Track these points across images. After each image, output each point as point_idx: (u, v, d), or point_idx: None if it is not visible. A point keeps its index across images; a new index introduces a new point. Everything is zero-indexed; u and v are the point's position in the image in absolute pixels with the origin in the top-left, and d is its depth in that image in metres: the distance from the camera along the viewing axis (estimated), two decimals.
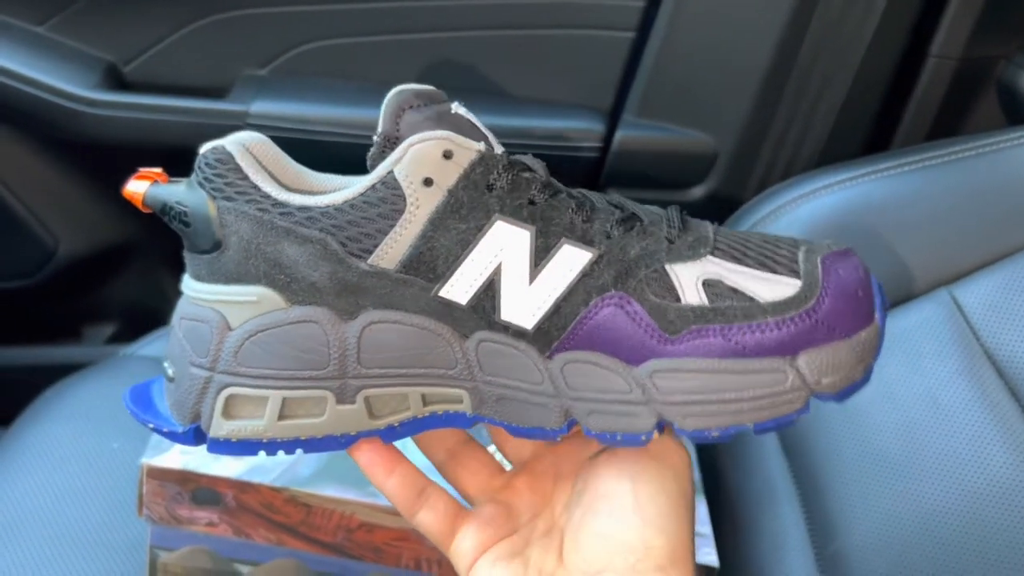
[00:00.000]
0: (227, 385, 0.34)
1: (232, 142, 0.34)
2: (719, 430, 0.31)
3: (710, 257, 0.33)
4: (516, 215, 0.32)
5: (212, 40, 0.79)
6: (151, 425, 0.35)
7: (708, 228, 0.34)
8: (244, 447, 0.34)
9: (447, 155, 0.32)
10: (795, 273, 0.33)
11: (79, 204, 0.89)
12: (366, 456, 0.36)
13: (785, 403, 0.31)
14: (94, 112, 0.78)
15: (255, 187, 0.33)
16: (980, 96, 0.78)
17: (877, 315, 0.33)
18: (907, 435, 0.54)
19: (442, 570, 0.51)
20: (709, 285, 0.32)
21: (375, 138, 0.34)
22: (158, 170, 0.35)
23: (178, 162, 0.81)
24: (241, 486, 0.48)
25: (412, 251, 0.32)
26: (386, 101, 0.34)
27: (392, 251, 0.32)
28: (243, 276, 0.33)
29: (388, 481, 0.36)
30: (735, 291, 0.32)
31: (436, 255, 0.32)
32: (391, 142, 0.33)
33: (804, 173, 0.70)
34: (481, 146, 0.33)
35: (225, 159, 0.34)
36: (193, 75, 0.81)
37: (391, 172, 0.32)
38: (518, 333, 0.33)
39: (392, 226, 0.32)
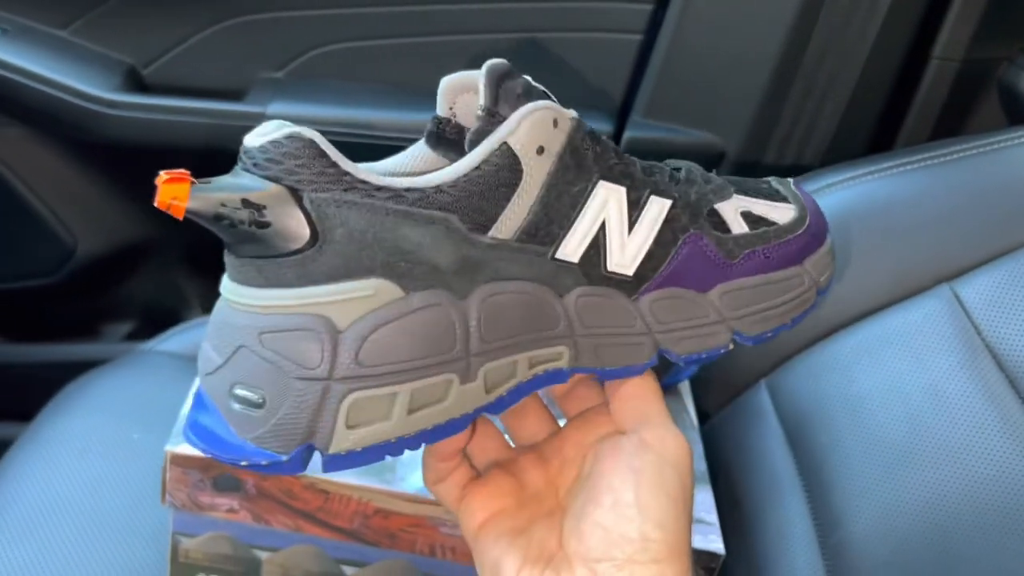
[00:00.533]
0: (351, 391, 0.31)
1: (304, 129, 0.31)
2: (772, 330, 0.38)
3: (735, 195, 0.38)
4: (610, 175, 0.35)
5: (229, 44, 0.81)
6: (244, 463, 0.32)
7: (715, 174, 0.39)
8: (369, 455, 0.32)
9: (555, 123, 0.33)
10: (786, 200, 0.39)
11: (98, 204, 0.91)
12: None
13: (806, 301, 0.39)
14: (114, 113, 0.80)
15: (347, 174, 0.31)
16: (982, 97, 0.79)
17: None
18: (910, 426, 0.56)
19: (456, 556, 0.52)
20: (745, 216, 0.38)
21: (430, 123, 0.35)
22: (182, 171, 0.30)
23: (195, 162, 0.84)
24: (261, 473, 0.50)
25: (530, 218, 0.33)
26: (442, 88, 0.35)
27: (511, 221, 0.33)
28: (353, 271, 0.31)
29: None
30: (761, 218, 0.38)
31: (551, 220, 0.34)
32: (446, 124, 0.35)
33: (809, 172, 0.71)
34: (574, 113, 0.35)
35: (308, 146, 0.30)
36: (211, 78, 0.82)
37: (505, 143, 0.32)
38: (617, 282, 0.36)
39: (510, 196, 0.33)
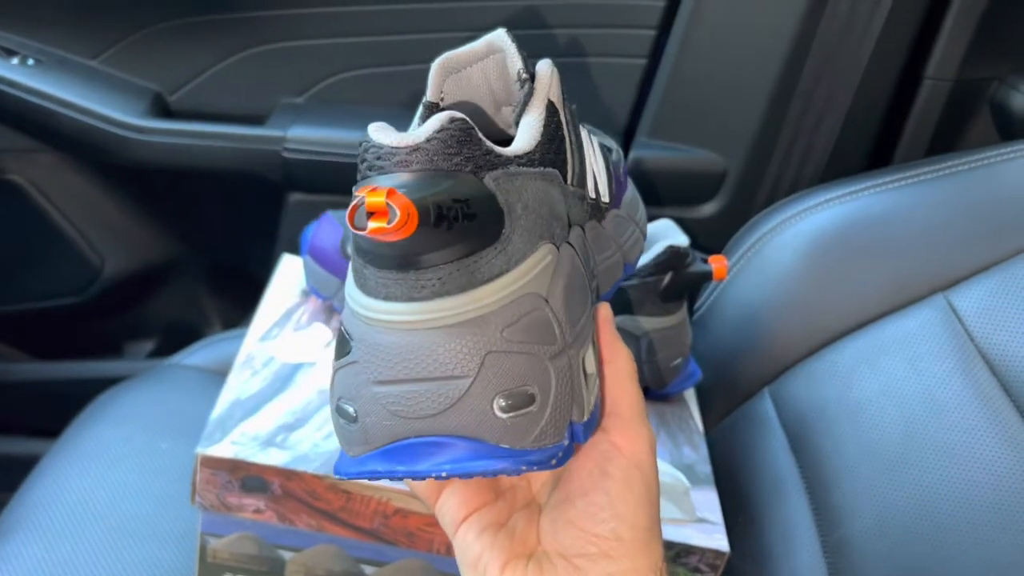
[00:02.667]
0: (577, 353, 0.31)
1: (455, 112, 0.29)
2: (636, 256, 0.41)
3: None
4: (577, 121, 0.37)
5: (252, 71, 0.84)
6: (526, 466, 0.29)
7: None
8: (597, 414, 0.32)
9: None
10: (607, 159, 0.41)
11: (124, 226, 0.93)
12: None
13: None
14: (141, 138, 0.82)
15: (491, 149, 0.29)
16: (975, 115, 0.80)
17: None
18: (907, 430, 0.57)
19: None
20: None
21: (421, 107, 0.34)
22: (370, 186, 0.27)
23: (218, 185, 0.86)
24: (287, 474, 0.52)
25: (577, 167, 0.34)
26: (436, 70, 0.34)
27: (570, 170, 0.33)
28: (534, 243, 0.29)
29: None
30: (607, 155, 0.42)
31: (583, 167, 0.35)
32: (436, 109, 0.34)
33: (808, 188, 0.73)
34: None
35: (469, 128, 0.28)
36: (234, 103, 0.85)
37: (549, 100, 0.32)
38: (598, 209, 0.37)
39: (563, 147, 0.33)
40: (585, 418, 0.31)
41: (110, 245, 0.93)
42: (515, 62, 0.33)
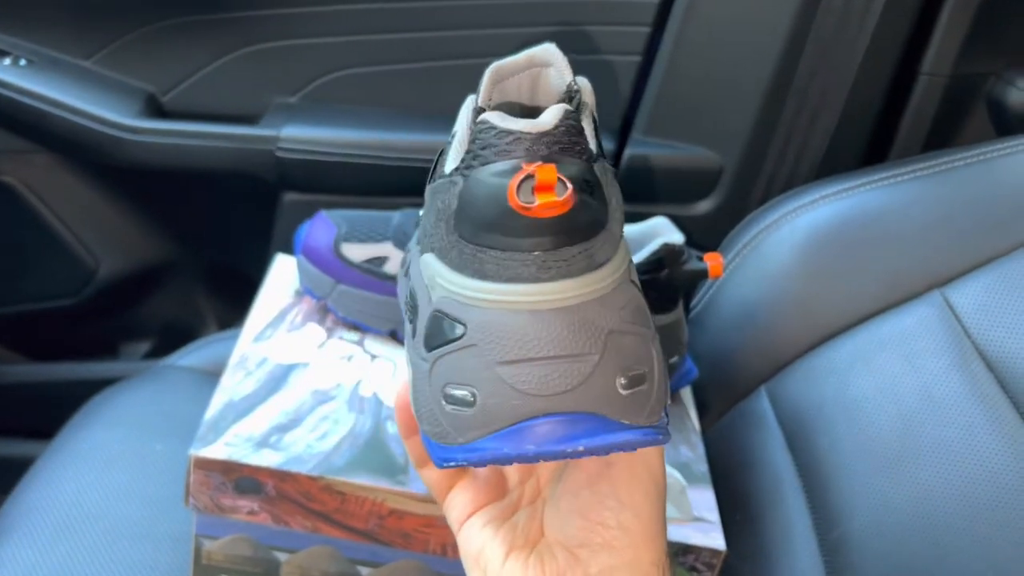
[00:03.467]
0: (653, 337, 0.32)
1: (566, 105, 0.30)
2: None
3: None
4: None
5: (245, 71, 0.84)
6: (650, 439, 0.30)
7: None
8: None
9: None
10: None
11: (119, 227, 0.93)
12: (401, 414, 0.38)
13: None
14: (135, 139, 0.82)
15: (588, 143, 0.31)
16: (971, 111, 0.80)
17: None
18: (904, 427, 0.57)
19: None
20: None
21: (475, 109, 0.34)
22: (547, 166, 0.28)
23: (212, 184, 0.86)
24: (281, 475, 0.52)
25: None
26: (491, 76, 0.34)
27: None
28: (620, 235, 0.31)
29: (412, 438, 0.38)
30: None
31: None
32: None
33: (803, 185, 0.73)
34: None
35: (579, 120, 0.30)
36: (227, 103, 0.84)
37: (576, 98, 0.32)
38: None
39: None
40: (668, 400, 0.32)
41: (105, 246, 0.93)
42: (565, 74, 0.33)
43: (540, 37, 0.82)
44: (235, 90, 0.84)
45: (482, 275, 0.29)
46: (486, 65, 0.35)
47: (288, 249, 0.71)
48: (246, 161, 0.82)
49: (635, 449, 0.30)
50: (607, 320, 0.29)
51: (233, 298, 0.95)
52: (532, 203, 0.27)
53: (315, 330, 0.62)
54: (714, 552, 0.53)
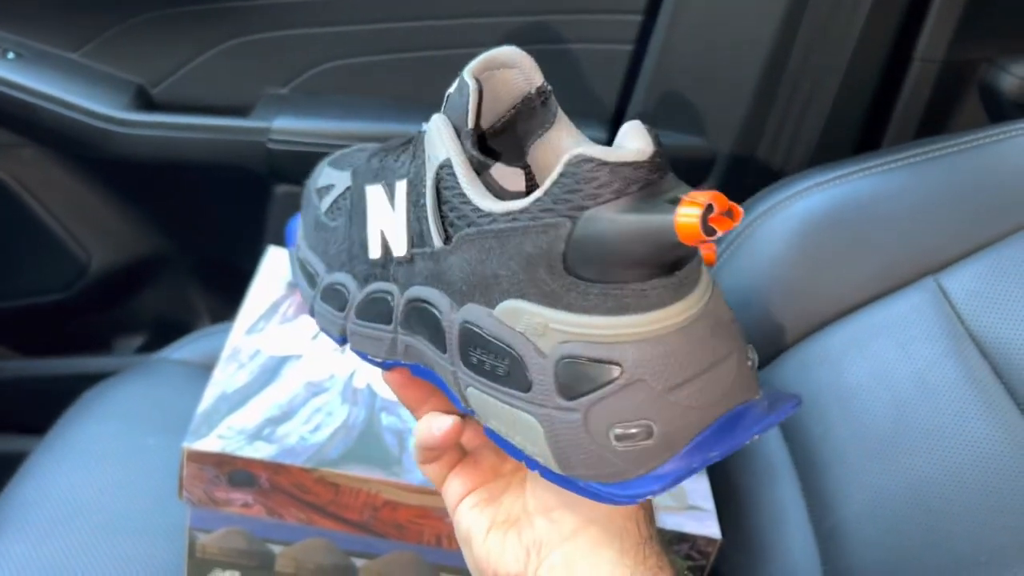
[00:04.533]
0: None
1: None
2: None
3: None
4: None
5: (235, 62, 0.83)
6: (785, 412, 0.31)
7: None
8: None
9: None
10: None
11: (110, 220, 0.93)
12: (396, 379, 0.39)
13: None
14: (125, 132, 0.81)
15: None
16: (964, 97, 0.80)
17: None
18: (898, 414, 0.57)
19: None
20: None
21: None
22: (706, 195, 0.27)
23: (204, 177, 0.86)
24: (274, 468, 0.51)
25: None
26: (476, 68, 0.33)
27: None
28: None
29: (401, 387, 0.39)
30: None
31: None
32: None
33: (797, 173, 0.72)
34: None
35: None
36: (217, 95, 0.84)
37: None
38: None
39: None
40: None
41: (96, 240, 0.93)
42: (534, 77, 0.33)
43: (531, 26, 0.83)
44: (226, 82, 0.84)
45: (622, 310, 0.28)
46: (474, 55, 0.34)
47: (280, 242, 0.70)
48: (237, 153, 0.82)
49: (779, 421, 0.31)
50: (725, 311, 0.30)
51: (226, 291, 0.93)
52: (714, 234, 0.26)
53: (308, 322, 0.62)
54: (709, 540, 0.53)
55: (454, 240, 0.32)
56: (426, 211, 0.32)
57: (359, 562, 0.55)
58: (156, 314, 0.99)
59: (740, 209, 0.27)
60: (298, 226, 0.43)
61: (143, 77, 0.84)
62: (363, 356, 0.38)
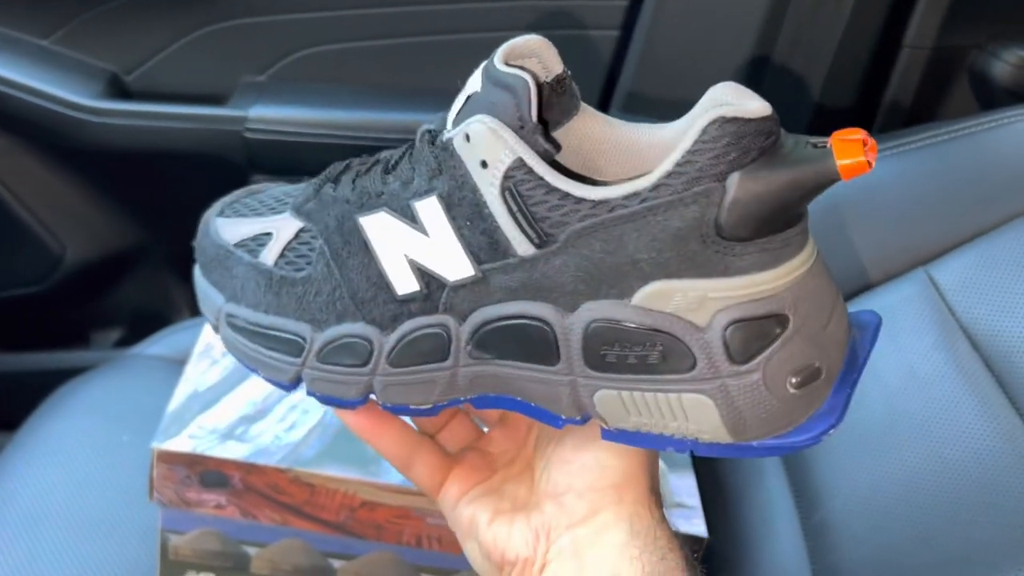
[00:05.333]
0: None
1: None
2: None
3: None
4: None
5: (211, 49, 0.82)
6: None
7: None
8: None
9: None
10: None
11: (85, 211, 0.91)
12: (354, 420, 0.37)
13: None
14: (98, 121, 0.80)
15: None
16: (954, 84, 0.79)
17: None
18: (887, 407, 0.56)
19: (442, 546, 0.53)
20: None
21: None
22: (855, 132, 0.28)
23: (180, 167, 0.84)
24: (247, 468, 0.50)
25: None
26: (508, 52, 0.31)
27: None
28: None
29: (382, 440, 0.37)
30: None
31: None
32: None
33: None
34: None
35: None
36: (193, 83, 0.83)
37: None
38: None
39: None
40: None
41: (71, 232, 0.91)
42: (559, 67, 0.32)
43: (514, 12, 0.81)
44: (201, 69, 0.83)
45: (776, 261, 0.29)
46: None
47: None
48: (214, 143, 0.81)
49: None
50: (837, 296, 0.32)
51: None
52: (871, 164, 0.28)
53: None
54: (696, 540, 0.52)
55: (560, 240, 0.30)
56: (495, 221, 0.30)
57: (337, 563, 0.54)
58: (134, 307, 0.98)
59: (873, 139, 0.28)
60: (212, 294, 0.37)
61: (117, 65, 0.83)
62: (400, 409, 0.35)
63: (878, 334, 0.33)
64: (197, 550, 0.54)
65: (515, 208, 0.30)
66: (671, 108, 0.81)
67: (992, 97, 0.76)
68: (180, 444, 0.50)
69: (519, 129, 0.29)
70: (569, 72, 0.32)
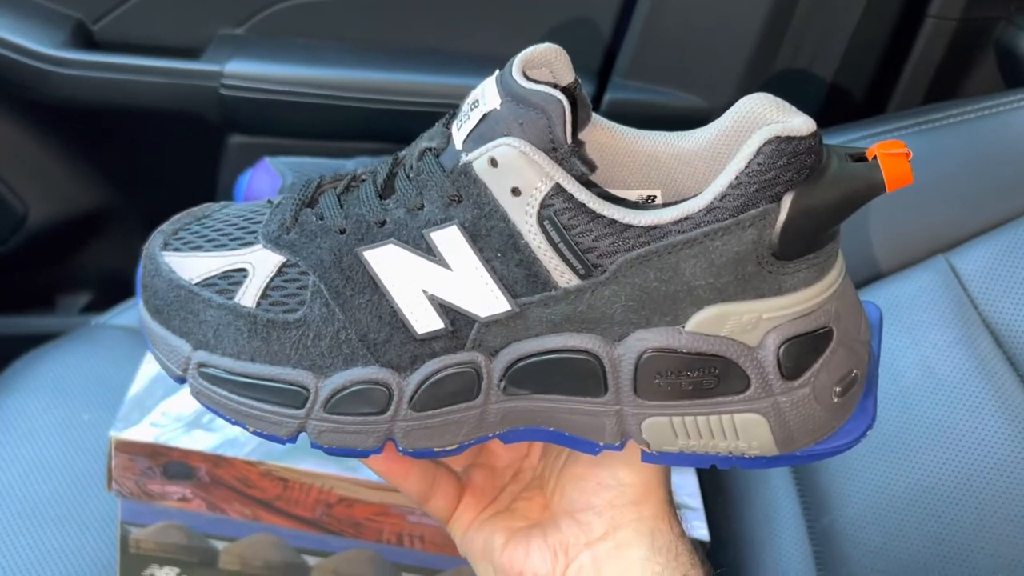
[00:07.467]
0: None
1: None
2: None
3: None
4: None
5: None
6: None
7: None
8: None
9: None
10: None
11: (49, 169, 0.87)
12: (380, 466, 0.35)
13: None
14: (62, 72, 0.76)
15: None
16: (978, 58, 0.76)
17: None
18: (902, 406, 0.53)
19: (424, 545, 0.50)
20: None
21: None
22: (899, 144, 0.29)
23: (150, 124, 0.80)
24: (215, 460, 0.47)
25: None
26: (525, 62, 0.30)
27: None
28: None
29: (407, 480, 0.36)
30: None
31: None
32: None
33: None
34: None
35: None
36: (165, 34, 0.79)
37: None
38: None
39: None
40: None
41: (34, 190, 0.87)
42: (567, 76, 0.31)
43: None
44: (174, 19, 0.78)
45: (821, 274, 0.29)
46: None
47: (231, 198, 0.65)
48: (187, 99, 0.77)
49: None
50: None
51: None
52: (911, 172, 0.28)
53: None
54: (696, 543, 0.49)
55: (610, 270, 0.29)
56: (532, 252, 0.29)
57: (312, 560, 0.51)
58: (103, 272, 0.94)
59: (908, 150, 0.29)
60: (172, 341, 0.33)
61: (82, 11, 0.78)
62: (424, 453, 0.32)
63: (882, 328, 0.34)
64: (161, 543, 0.51)
65: (556, 238, 0.28)
66: (677, 77, 0.78)
67: (1018, 73, 0.72)
68: (141, 433, 0.47)
69: (552, 151, 0.28)
70: (579, 81, 0.31)
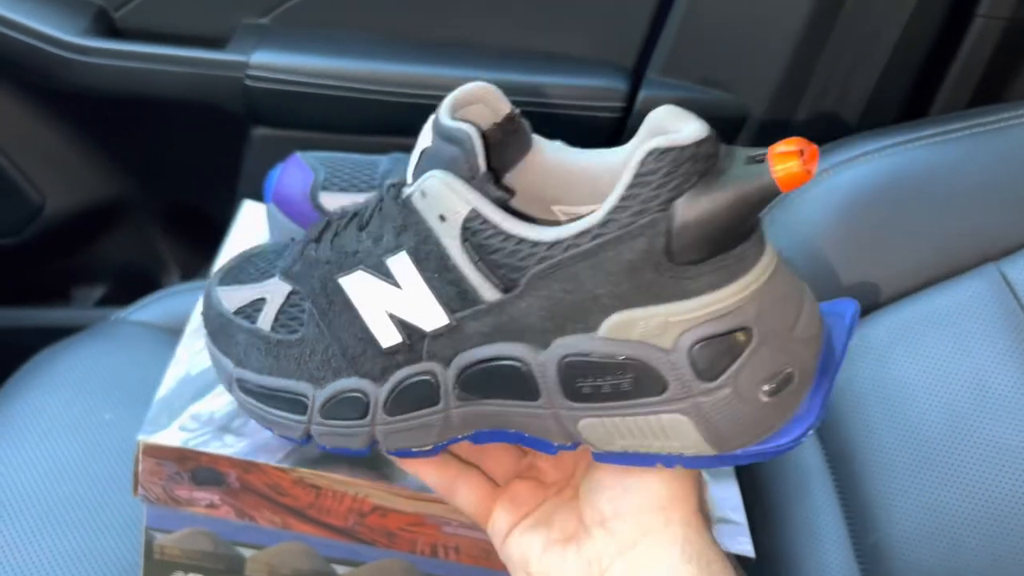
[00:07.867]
0: None
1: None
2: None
3: None
4: None
5: None
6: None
7: None
8: None
9: None
10: None
11: (67, 158, 0.87)
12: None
13: None
14: (83, 60, 0.76)
15: None
16: None
17: None
18: (950, 419, 0.52)
19: (460, 556, 0.48)
20: None
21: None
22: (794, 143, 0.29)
23: (172, 115, 0.80)
24: (245, 466, 0.45)
25: None
26: (455, 102, 0.34)
27: None
28: None
29: (425, 468, 0.38)
30: None
31: None
32: None
33: (841, 139, 0.67)
34: None
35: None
36: (189, 23, 0.79)
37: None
38: None
39: None
40: None
41: (52, 180, 0.87)
42: (502, 107, 0.34)
43: None
44: (198, 7, 0.78)
45: (732, 276, 0.30)
46: None
47: (258, 191, 0.64)
48: (211, 90, 0.77)
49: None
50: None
51: (197, 243, 0.90)
52: (811, 173, 0.28)
53: None
54: (740, 559, 0.48)
55: (522, 284, 0.31)
56: (460, 271, 0.32)
57: (342, 569, 0.50)
58: (120, 264, 0.94)
59: (814, 145, 0.28)
60: (222, 361, 0.41)
61: None
62: (404, 454, 0.37)
63: (857, 319, 0.34)
64: (186, 550, 0.50)
65: (476, 257, 0.32)
66: (714, 76, 0.76)
67: None
68: (170, 437, 0.45)
69: (470, 180, 0.31)
70: (517, 110, 0.34)
